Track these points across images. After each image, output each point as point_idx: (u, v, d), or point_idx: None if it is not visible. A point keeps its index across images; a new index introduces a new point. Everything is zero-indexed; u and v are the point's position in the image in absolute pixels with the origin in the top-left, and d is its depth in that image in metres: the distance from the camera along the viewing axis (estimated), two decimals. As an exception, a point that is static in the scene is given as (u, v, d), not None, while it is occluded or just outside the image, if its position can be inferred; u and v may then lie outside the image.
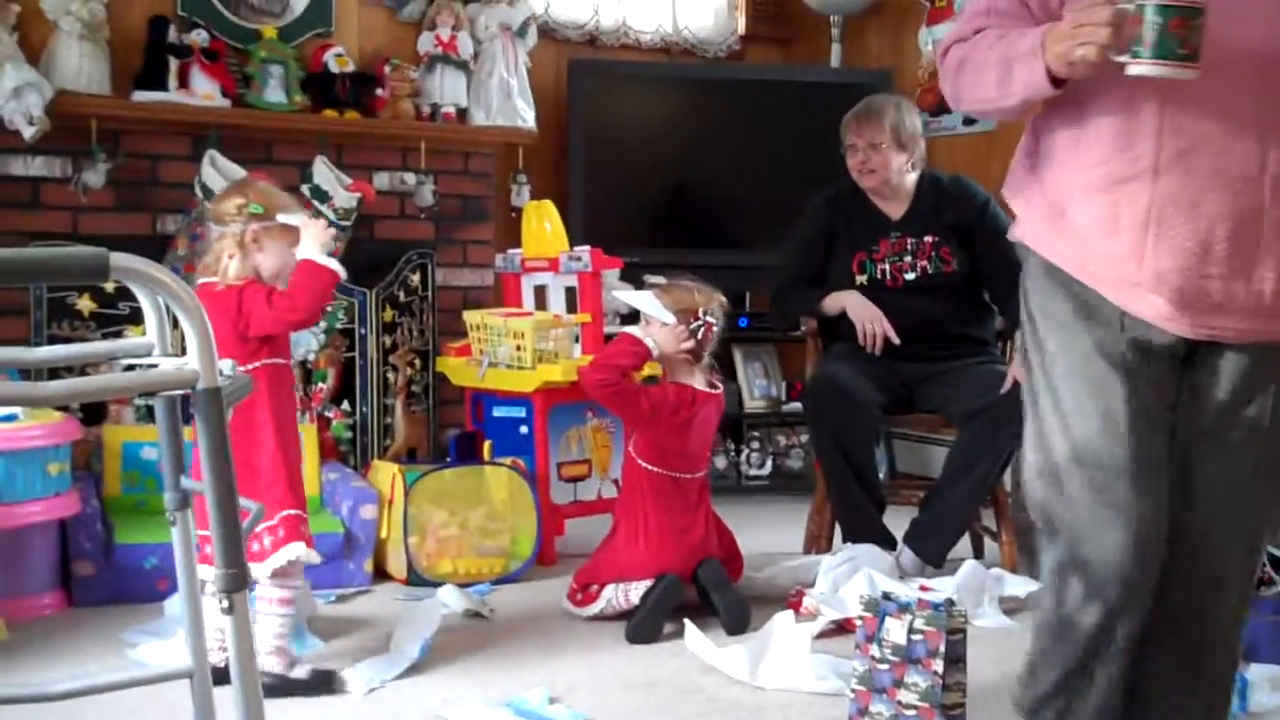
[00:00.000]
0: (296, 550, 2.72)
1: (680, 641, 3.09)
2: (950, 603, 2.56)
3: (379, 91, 4.42)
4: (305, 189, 4.13)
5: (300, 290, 2.71)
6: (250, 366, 2.70)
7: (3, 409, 3.12)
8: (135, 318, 3.75)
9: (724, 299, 3.38)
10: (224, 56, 4.19)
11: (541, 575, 3.71)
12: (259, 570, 2.72)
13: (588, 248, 4.10)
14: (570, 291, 4.14)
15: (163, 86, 4.06)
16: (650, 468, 3.30)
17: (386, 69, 4.45)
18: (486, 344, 4.02)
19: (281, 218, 2.76)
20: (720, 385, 3.43)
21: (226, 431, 1.68)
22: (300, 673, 2.76)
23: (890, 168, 3.76)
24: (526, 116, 4.64)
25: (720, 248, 4.99)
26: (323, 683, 2.76)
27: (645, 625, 3.15)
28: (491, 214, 4.76)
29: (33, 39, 3.94)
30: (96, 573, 3.32)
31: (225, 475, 1.67)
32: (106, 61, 4.04)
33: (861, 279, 3.80)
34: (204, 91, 4.10)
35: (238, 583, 1.67)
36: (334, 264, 2.74)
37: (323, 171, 4.19)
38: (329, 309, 4.11)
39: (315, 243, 2.74)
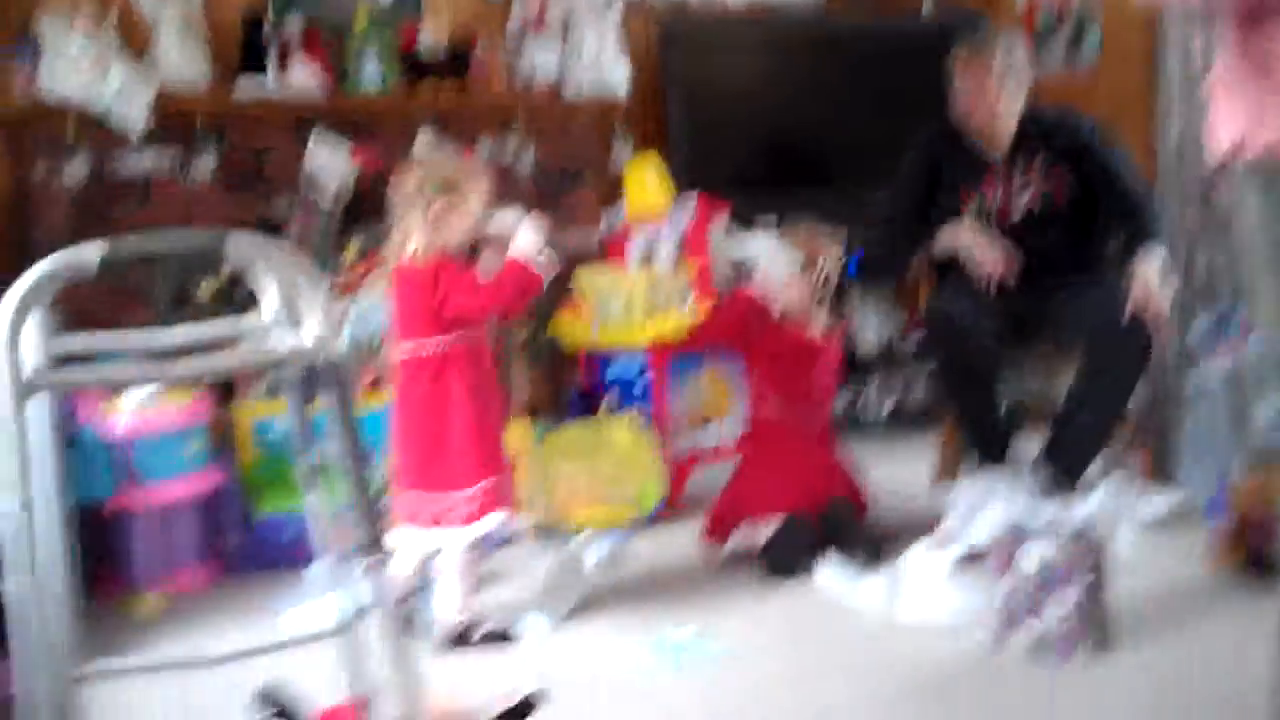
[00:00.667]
0: (496, 519, 2.83)
1: (814, 580, 3.13)
2: (1088, 526, 2.54)
3: (472, 66, 4.45)
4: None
5: (507, 285, 2.80)
6: (438, 345, 2.80)
7: (139, 391, 3.26)
8: (253, 303, 3.82)
9: (842, 242, 3.37)
10: (319, 43, 4.26)
11: (672, 521, 3.76)
12: (455, 538, 2.83)
13: (694, 193, 4.09)
14: (678, 242, 4.15)
15: (262, 75, 4.14)
16: (771, 414, 3.32)
17: (479, 44, 4.48)
18: (597, 302, 4.06)
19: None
20: (839, 325, 3.43)
21: (351, 404, 1.73)
22: (484, 628, 2.87)
23: (999, 107, 3.69)
24: (620, 83, 4.64)
25: (825, 186, 4.96)
26: (501, 636, 2.87)
27: (780, 561, 3.19)
28: (590, 178, 4.77)
29: (134, 38, 4.04)
30: (241, 545, 3.46)
31: (353, 447, 1.72)
32: (206, 55, 4.13)
33: (969, 216, 3.75)
34: (302, 79, 4.17)
35: (374, 545, 1.73)
36: (543, 263, 2.81)
37: (423, 150, 4.23)
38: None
39: (528, 242, 2.82)
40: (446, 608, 2.88)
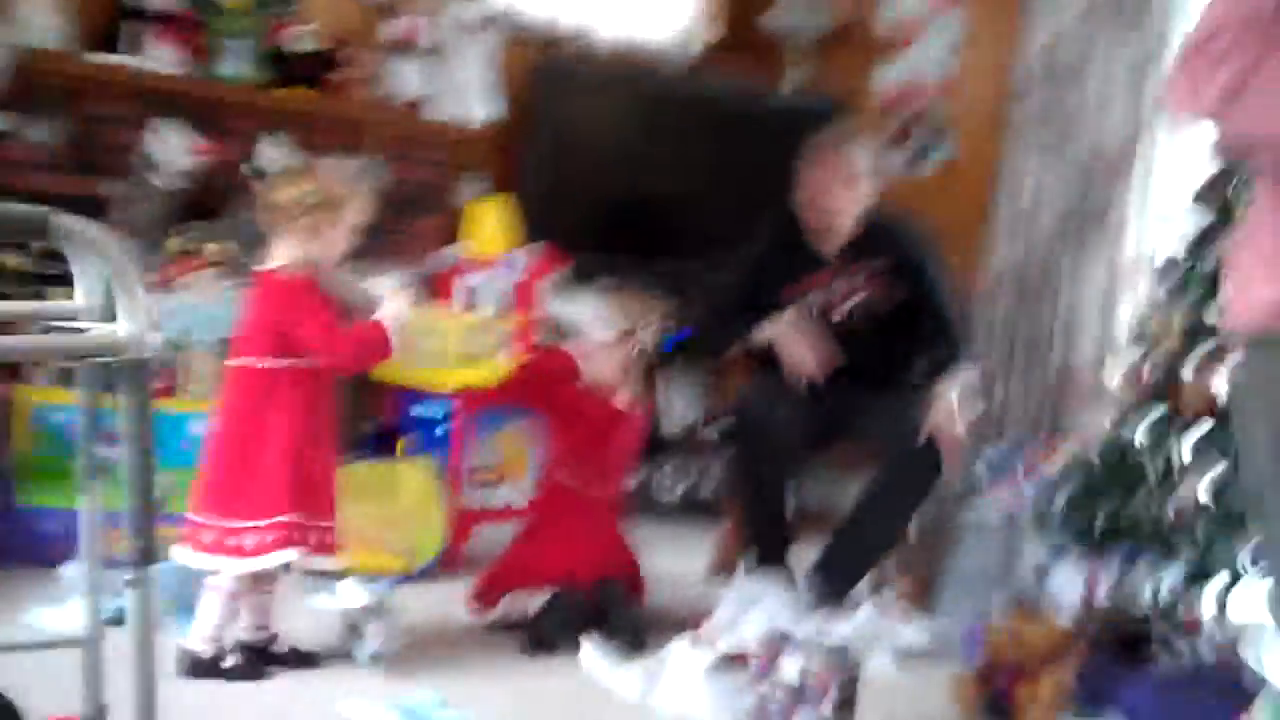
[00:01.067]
0: (284, 557, 2.73)
1: (577, 656, 3.12)
2: (848, 645, 2.60)
3: (336, 73, 4.40)
4: (247, 169, 4.12)
5: (360, 344, 2.78)
6: (273, 364, 2.73)
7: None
8: (65, 280, 3.70)
9: (667, 314, 3.41)
10: (184, 24, 4.17)
11: (444, 578, 3.70)
12: (233, 566, 2.74)
13: (532, 247, 4.12)
14: (505, 293, 4.16)
15: (123, 48, 4.04)
16: (565, 480, 3.33)
17: (346, 52, 4.44)
18: (412, 338, 4.02)
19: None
20: (646, 399, 3.48)
21: (149, 405, 1.69)
22: (230, 660, 2.83)
23: (840, 205, 3.74)
24: (483, 112, 4.64)
25: (667, 256, 4.98)
26: (249, 672, 2.81)
27: (543, 636, 3.18)
28: (433, 208, 4.74)
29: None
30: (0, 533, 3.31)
31: (144, 450, 1.68)
32: (72, 20, 4.00)
33: (792, 310, 3.79)
34: (162, 57, 4.08)
35: (146, 557, 1.69)
36: (395, 343, 2.79)
37: (271, 152, 4.18)
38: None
39: (396, 312, 2.81)
40: (197, 634, 2.81)
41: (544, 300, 4.17)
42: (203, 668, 2.79)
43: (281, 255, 2.78)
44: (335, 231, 2.77)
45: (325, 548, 2.80)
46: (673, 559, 4.01)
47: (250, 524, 2.74)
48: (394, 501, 3.73)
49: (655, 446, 5.14)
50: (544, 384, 3.39)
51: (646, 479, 5.02)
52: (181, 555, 2.79)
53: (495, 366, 3.88)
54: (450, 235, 4.44)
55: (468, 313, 4.11)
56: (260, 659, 2.87)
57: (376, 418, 4.35)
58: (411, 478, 3.78)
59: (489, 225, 4.18)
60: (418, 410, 4.03)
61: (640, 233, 4.96)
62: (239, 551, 2.75)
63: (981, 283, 4.72)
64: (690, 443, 5.18)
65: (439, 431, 3.96)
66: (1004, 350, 4.66)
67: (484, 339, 3.99)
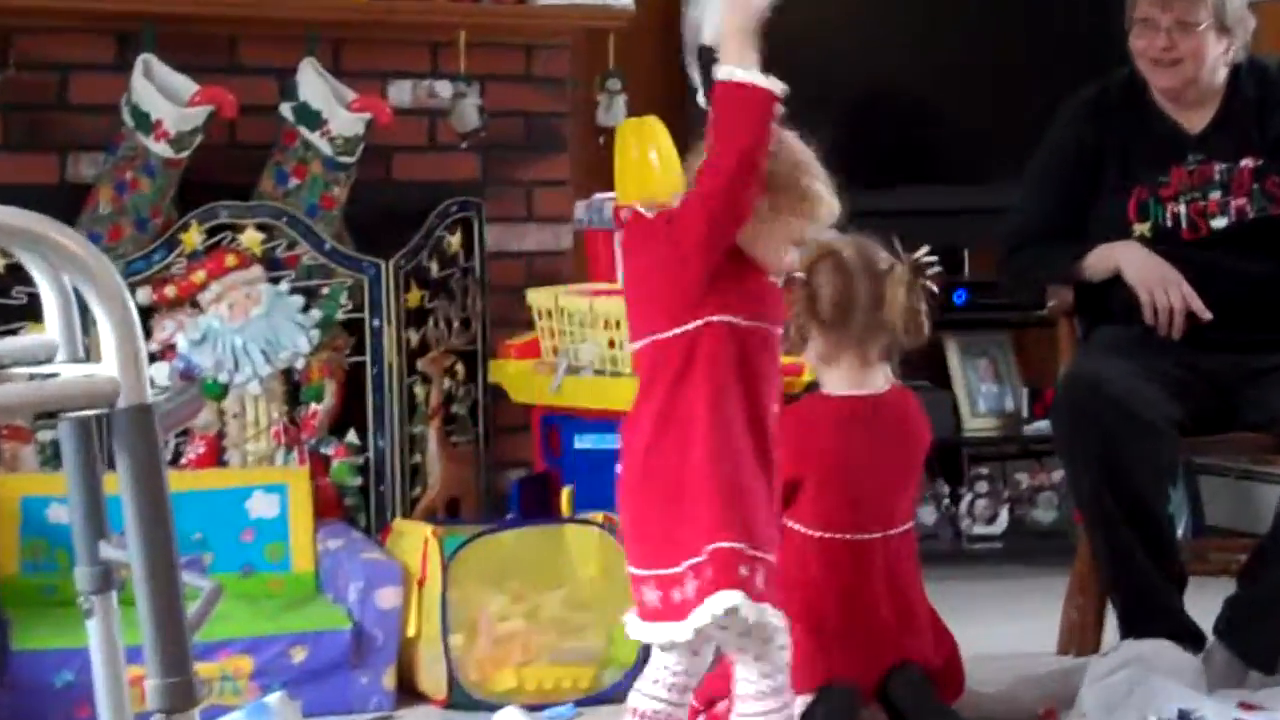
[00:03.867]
0: (728, 600, 2.78)
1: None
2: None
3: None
4: (287, 109, 4.21)
5: (721, 135, 2.84)
6: (680, 330, 2.86)
7: None
8: (36, 310, 3.80)
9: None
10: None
11: None
12: (677, 631, 2.83)
13: None
14: None
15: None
16: (810, 531, 3.29)
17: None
18: (564, 339, 4.06)
19: None
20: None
21: (160, 471, 1.70)
22: None
23: (1204, 60, 3.73)
24: (625, -2, 4.68)
25: (923, 183, 4.96)
26: None
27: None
28: (567, 141, 4.81)
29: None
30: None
31: (161, 535, 1.69)
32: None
33: (1142, 228, 3.79)
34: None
35: (180, 699, 1.69)
36: (758, 77, 2.82)
37: (313, 82, 4.23)
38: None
39: (734, 43, 2.84)
40: None
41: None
42: None
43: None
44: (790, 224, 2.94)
45: (748, 583, 2.83)
46: (998, 623, 3.97)
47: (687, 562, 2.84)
48: (565, 585, 3.75)
49: (954, 456, 5.08)
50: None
51: (946, 507, 4.97)
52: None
53: None
54: (595, 180, 4.50)
55: None
56: None
57: (523, 462, 4.38)
58: (588, 546, 3.79)
59: (651, 157, 4.16)
60: (584, 442, 4.07)
61: (878, 154, 4.97)
62: (681, 609, 2.83)
63: None
64: (1009, 445, 5.11)
65: (618, 471, 3.93)
66: None
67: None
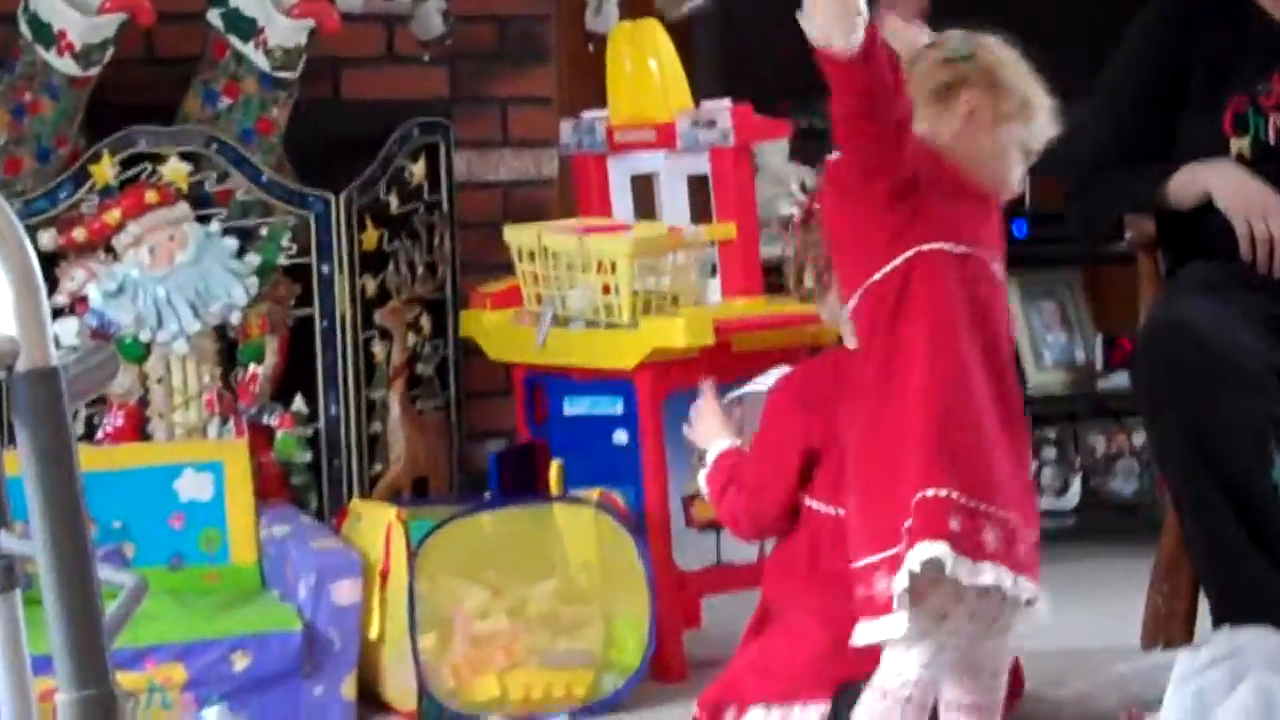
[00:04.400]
0: (927, 552, 2.87)
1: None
2: None
3: None
4: (215, 16, 4.21)
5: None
6: (890, 266, 2.98)
7: None
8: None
9: None
10: None
11: (659, 699, 3.77)
12: (889, 625, 2.93)
13: (727, 102, 4.11)
14: (698, 184, 4.15)
15: None
16: (827, 509, 3.28)
17: None
18: (549, 285, 4.05)
19: None
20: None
21: (71, 443, 1.68)
22: None
23: None
24: None
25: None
26: None
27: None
28: (551, 49, 4.78)
29: None
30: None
31: (72, 523, 1.67)
32: None
33: (1240, 144, 3.80)
34: None
35: (99, 716, 1.68)
36: (837, 39, 2.89)
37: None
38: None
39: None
40: None
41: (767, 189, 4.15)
42: None
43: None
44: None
45: (955, 536, 2.91)
46: (1070, 612, 3.95)
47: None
48: (555, 575, 3.78)
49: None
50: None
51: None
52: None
53: (699, 317, 3.90)
54: (583, 96, 4.51)
55: (641, 225, 4.13)
56: None
57: (503, 431, 4.37)
58: (581, 529, 3.83)
59: (651, 66, 4.15)
60: (574, 408, 4.10)
61: None
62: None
63: None
64: (1081, 404, 5.12)
65: (617, 440, 3.97)
66: None
67: (674, 267, 3.98)
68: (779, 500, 3.27)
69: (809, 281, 3.27)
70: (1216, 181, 3.71)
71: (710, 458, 3.36)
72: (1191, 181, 3.73)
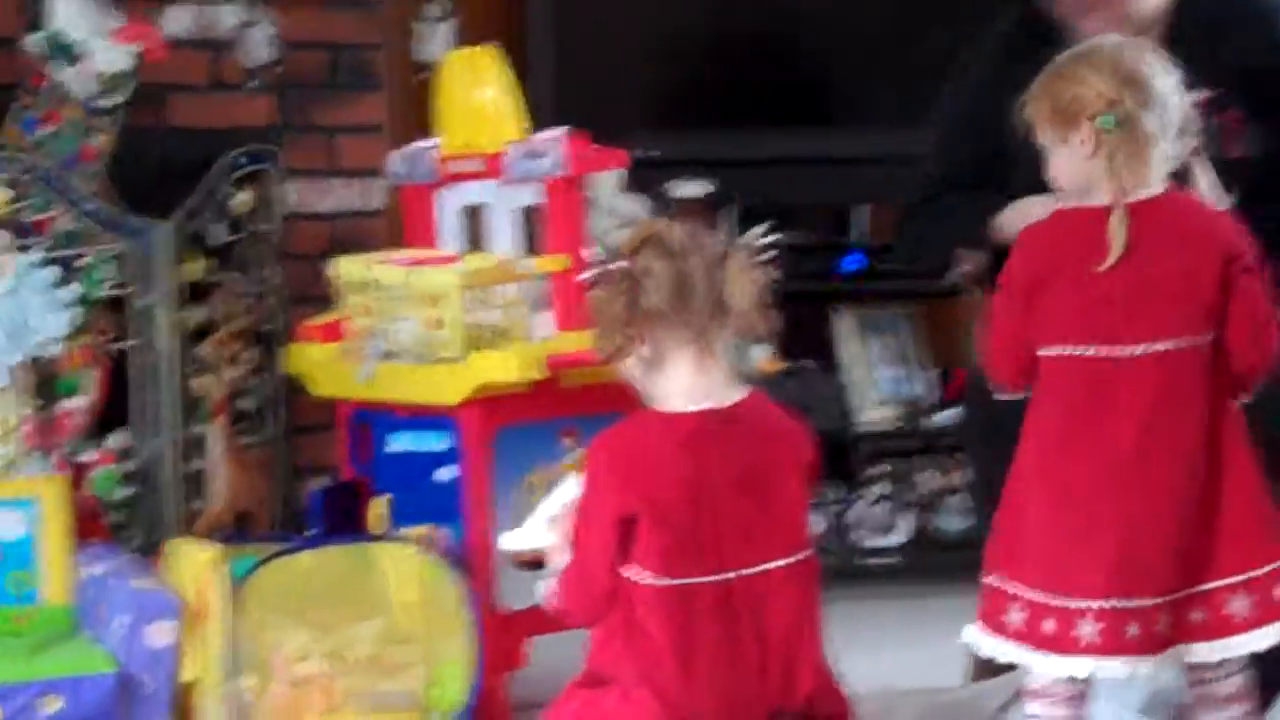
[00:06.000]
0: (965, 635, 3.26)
1: None
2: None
3: None
4: (34, 41, 4.19)
5: None
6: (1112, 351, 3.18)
7: None
8: None
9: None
10: None
11: None
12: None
13: (560, 132, 4.11)
14: (530, 215, 4.15)
15: None
16: (645, 579, 3.23)
17: None
18: (375, 318, 4.02)
19: None
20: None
21: None
22: None
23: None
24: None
25: (807, 127, 4.95)
26: None
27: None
28: (382, 78, 4.77)
29: None
30: None
31: None
32: None
33: None
34: None
35: None
36: None
37: (67, 6, 4.21)
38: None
39: None
40: None
41: (597, 222, 4.22)
42: None
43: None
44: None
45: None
46: (899, 652, 3.99)
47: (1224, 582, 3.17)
48: (378, 616, 3.76)
49: (843, 454, 5.08)
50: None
51: (834, 515, 4.97)
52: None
53: (529, 351, 3.90)
54: (413, 124, 4.52)
55: (471, 255, 4.13)
56: None
57: (327, 467, 4.34)
58: (405, 569, 3.80)
59: (481, 98, 4.17)
60: (400, 443, 4.08)
61: (752, 91, 5.09)
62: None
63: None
64: (913, 440, 5.13)
65: (440, 477, 3.96)
66: None
67: (506, 301, 3.97)
68: (605, 569, 3.23)
69: (612, 340, 3.23)
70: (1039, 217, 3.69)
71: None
72: (1020, 216, 3.71)
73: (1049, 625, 3.18)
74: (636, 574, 3.20)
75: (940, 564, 4.91)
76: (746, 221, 5.16)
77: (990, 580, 3.30)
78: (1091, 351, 3.16)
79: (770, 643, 3.24)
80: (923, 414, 5.07)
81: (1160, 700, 3.50)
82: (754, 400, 3.29)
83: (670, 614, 3.19)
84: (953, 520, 5.02)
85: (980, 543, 4.02)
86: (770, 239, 3.22)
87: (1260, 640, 3.16)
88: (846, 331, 5.09)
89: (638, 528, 3.17)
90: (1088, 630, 3.12)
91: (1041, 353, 3.23)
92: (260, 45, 4.54)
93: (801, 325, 5.08)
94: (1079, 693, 3.23)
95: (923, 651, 4.15)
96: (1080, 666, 3.14)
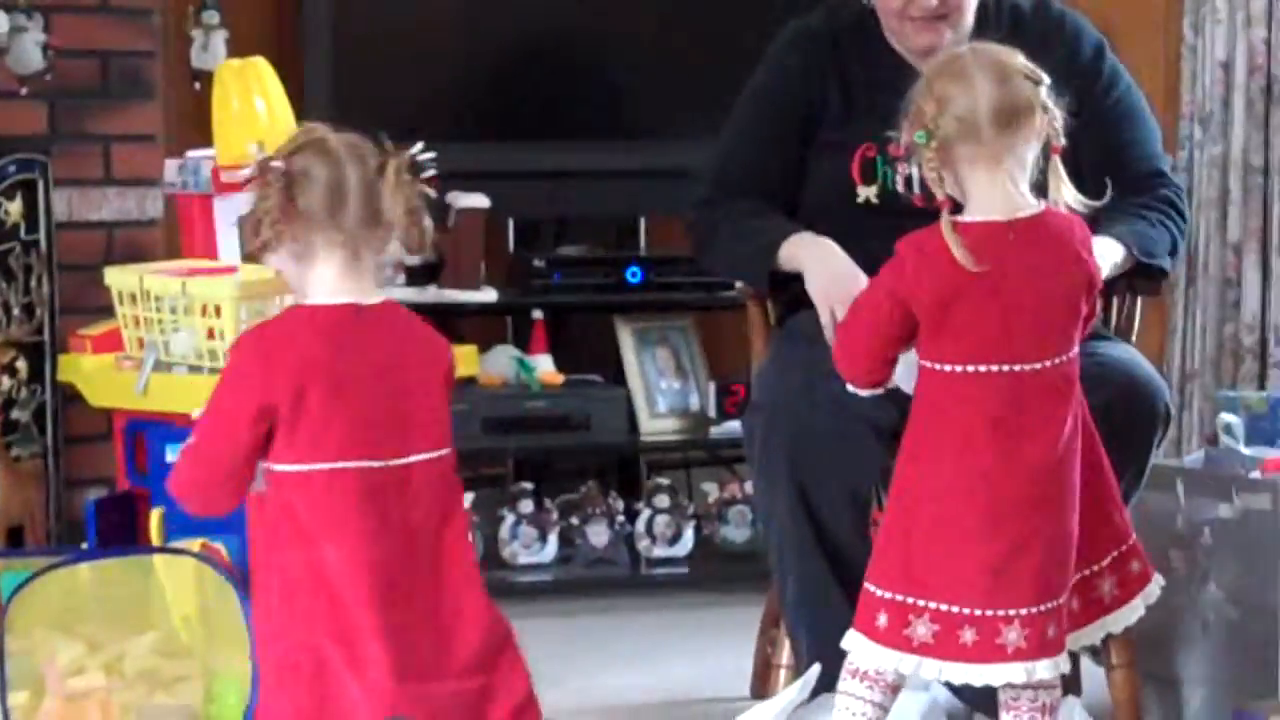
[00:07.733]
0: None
1: None
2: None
3: None
4: None
5: None
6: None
7: None
8: None
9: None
10: None
11: None
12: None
13: None
14: None
15: None
16: (299, 466, 3.17)
17: None
18: (151, 329, 4.01)
19: None
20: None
21: None
22: None
23: (969, 10, 3.83)
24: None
25: (591, 139, 4.96)
26: None
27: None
28: (156, 86, 4.76)
29: None
30: None
31: None
32: None
33: (869, 191, 3.82)
34: None
35: None
36: None
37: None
38: None
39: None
40: None
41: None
42: None
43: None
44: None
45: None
46: (683, 663, 4.03)
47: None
48: (155, 629, 3.74)
49: (631, 466, 5.08)
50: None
51: (620, 525, 4.97)
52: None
53: None
54: (188, 134, 4.54)
55: (245, 265, 4.11)
56: None
57: (103, 479, 4.30)
58: (183, 581, 3.77)
59: (257, 106, 4.22)
60: (174, 455, 3.93)
61: (534, 102, 5.10)
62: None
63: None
64: (694, 452, 5.14)
65: None
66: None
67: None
68: (229, 454, 3.18)
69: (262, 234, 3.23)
70: (811, 266, 3.69)
71: None
72: (793, 258, 3.73)
73: (968, 635, 3.20)
74: (286, 465, 3.19)
75: (724, 574, 4.96)
76: (523, 235, 5.23)
77: (884, 594, 3.26)
78: (1007, 368, 3.19)
79: (419, 538, 3.24)
80: (703, 426, 5.08)
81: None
82: (394, 306, 3.32)
83: (318, 499, 3.18)
84: (735, 531, 5.02)
85: (763, 554, 4.06)
86: (428, 155, 3.27)
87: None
88: (629, 344, 5.09)
89: (278, 417, 3.18)
90: (1014, 637, 3.16)
91: (951, 369, 3.24)
92: (31, 52, 4.49)
93: (587, 338, 5.05)
94: (898, 684, 3.27)
95: (707, 661, 4.17)
96: (1012, 673, 3.18)
